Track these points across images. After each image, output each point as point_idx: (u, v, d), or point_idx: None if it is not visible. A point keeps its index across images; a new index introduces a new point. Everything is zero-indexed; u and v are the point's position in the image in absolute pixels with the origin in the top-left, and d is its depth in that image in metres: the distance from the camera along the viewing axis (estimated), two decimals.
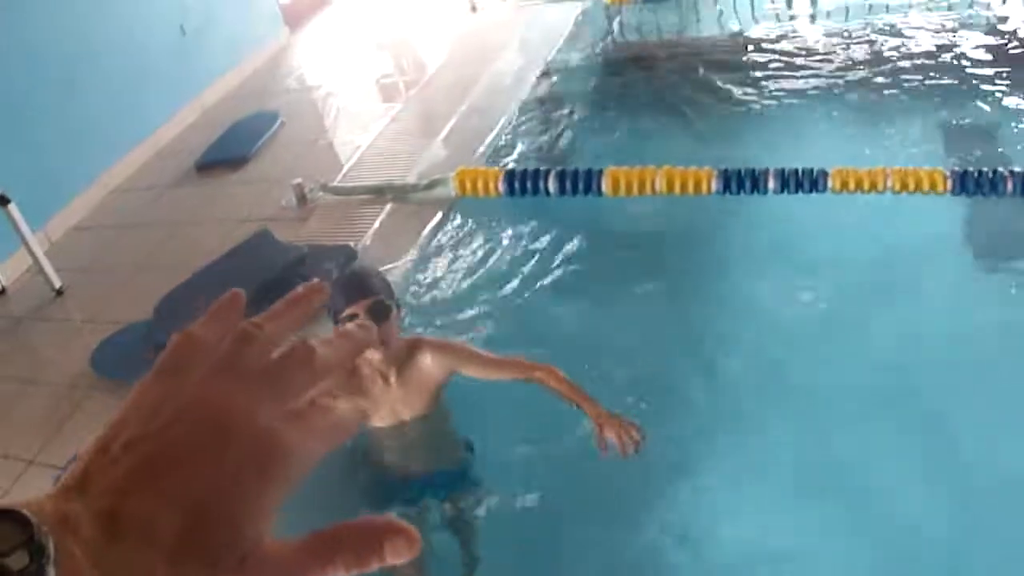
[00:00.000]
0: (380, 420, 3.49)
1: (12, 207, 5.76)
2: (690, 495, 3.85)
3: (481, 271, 5.19)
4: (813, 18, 8.07)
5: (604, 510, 3.86)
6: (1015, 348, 4.23)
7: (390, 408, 3.46)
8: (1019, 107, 6.10)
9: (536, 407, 3.72)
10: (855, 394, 4.14)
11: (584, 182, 5.28)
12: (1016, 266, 4.92)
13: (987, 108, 6.16)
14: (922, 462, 3.79)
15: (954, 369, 4.18)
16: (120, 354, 4.92)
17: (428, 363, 3.45)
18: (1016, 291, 4.78)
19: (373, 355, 3.29)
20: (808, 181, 4.97)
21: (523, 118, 6.75)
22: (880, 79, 6.66)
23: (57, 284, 5.94)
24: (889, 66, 6.82)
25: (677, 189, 5.14)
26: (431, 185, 5.68)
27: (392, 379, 3.40)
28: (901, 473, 3.77)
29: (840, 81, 6.79)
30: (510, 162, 6.14)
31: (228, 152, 7.16)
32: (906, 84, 6.52)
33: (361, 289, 3.24)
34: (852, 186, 4.94)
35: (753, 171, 5.05)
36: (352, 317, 3.14)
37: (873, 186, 4.94)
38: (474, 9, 8.97)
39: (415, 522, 3.25)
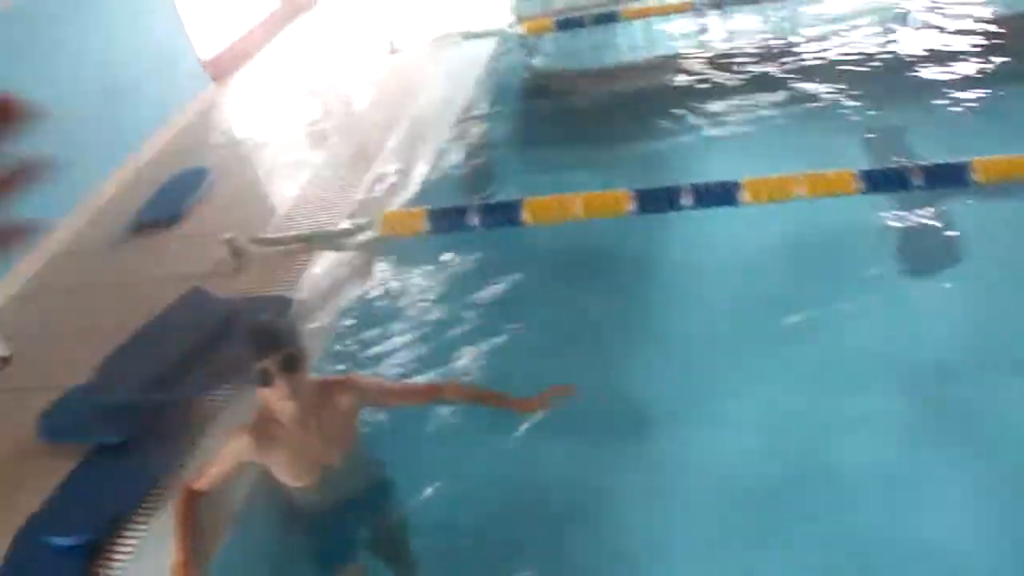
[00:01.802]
0: (303, 476, 3.57)
1: None
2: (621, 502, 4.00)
3: (413, 310, 5.34)
4: (728, 39, 8.29)
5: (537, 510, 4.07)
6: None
7: (312, 459, 3.54)
8: (928, 107, 6.36)
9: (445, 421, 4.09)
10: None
11: (504, 213, 5.45)
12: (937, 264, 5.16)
13: (899, 111, 6.42)
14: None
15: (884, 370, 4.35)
16: (65, 419, 5.03)
17: (341, 401, 3.55)
18: (947, 285, 5.00)
19: (286, 407, 3.35)
20: (721, 193, 5.14)
21: (447, 155, 6.91)
22: (797, 90, 6.90)
23: (5, 353, 6.04)
24: (805, 78, 7.07)
25: (595, 212, 5.31)
26: (358, 229, 5.84)
27: (312, 426, 3.47)
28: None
29: (755, 96, 7.01)
30: (437, 199, 6.27)
31: (161, 211, 7.26)
32: (823, 94, 6.76)
33: (271, 341, 3.29)
34: (765, 195, 5.11)
35: (667, 188, 5.24)
36: (264, 372, 3.25)
37: (785, 193, 5.11)
38: (393, 50, 9.14)
39: (350, 546, 3.45)
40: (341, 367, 4.83)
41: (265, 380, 3.28)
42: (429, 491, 4.06)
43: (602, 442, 4.27)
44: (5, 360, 6.00)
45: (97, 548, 4.11)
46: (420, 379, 4.67)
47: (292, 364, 3.30)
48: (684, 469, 4.11)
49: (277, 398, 3.33)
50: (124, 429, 4.68)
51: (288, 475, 3.58)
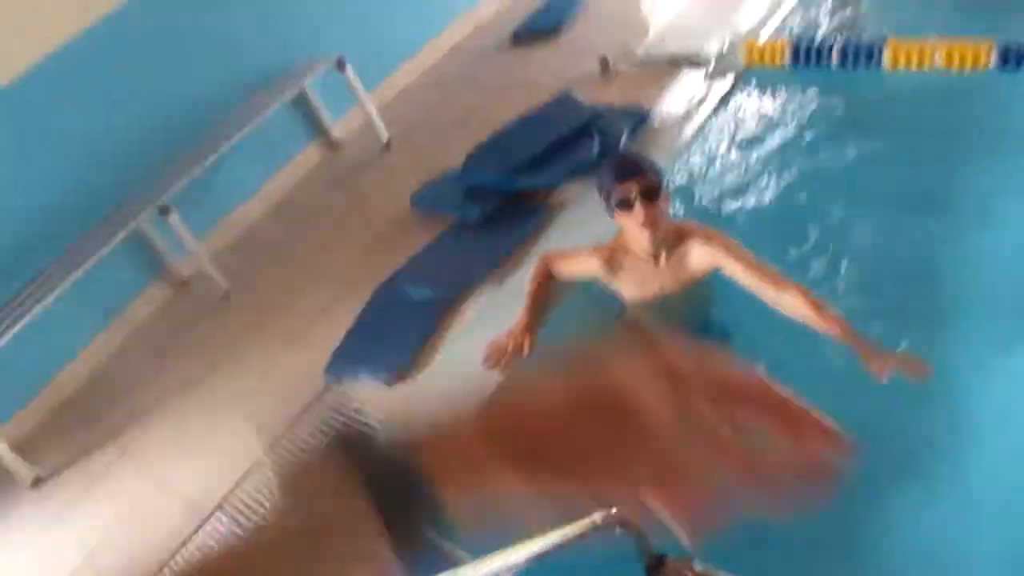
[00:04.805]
0: (641, 294, 3.76)
1: (349, 70, 6.53)
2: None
3: (762, 140, 5.42)
4: None
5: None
6: None
7: (653, 289, 3.71)
8: None
9: None
10: None
11: (866, 53, 5.47)
12: None
13: None
14: None
15: None
16: (436, 195, 5.60)
17: (693, 252, 3.63)
18: None
19: (642, 235, 3.50)
20: None
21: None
22: None
23: (385, 138, 6.71)
24: None
25: (956, 63, 5.23)
26: (722, 55, 6.03)
27: (661, 261, 3.63)
28: None
29: None
30: (803, 35, 6.31)
31: (541, 24, 7.72)
32: None
33: (633, 169, 3.45)
34: None
35: None
36: (626, 197, 3.42)
37: None
38: None
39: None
40: (684, 185, 5.09)
41: (626, 204, 3.46)
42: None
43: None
44: (386, 144, 6.64)
45: (448, 303, 4.66)
46: (752, 215, 4.81)
47: (652, 193, 3.46)
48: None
49: (634, 224, 3.51)
50: (484, 207, 5.21)
51: (627, 293, 3.83)
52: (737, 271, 3.54)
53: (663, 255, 3.62)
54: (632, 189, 3.41)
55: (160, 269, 6.11)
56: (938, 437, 3.54)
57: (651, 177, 3.46)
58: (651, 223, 3.46)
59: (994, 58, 5.11)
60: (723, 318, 3.96)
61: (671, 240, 3.60)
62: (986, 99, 5.20)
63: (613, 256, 3.73)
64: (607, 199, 3.50)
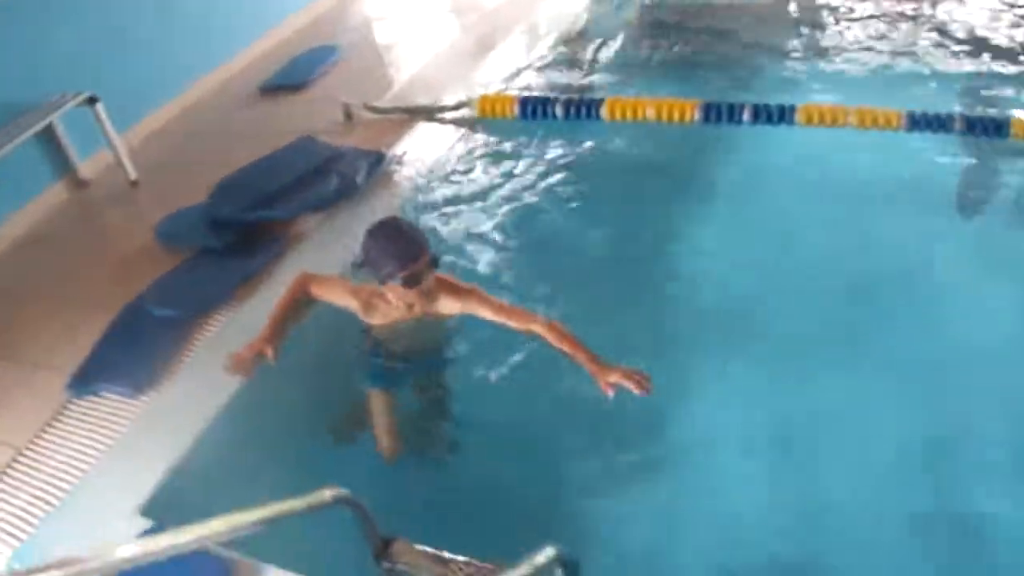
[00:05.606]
0: (389, 327, 4.03)
1: (99, 107, 6.68)
2: (657, 428, 4.02)
3: (486, 182, 5.92)
4: None
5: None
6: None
7: (400, 320, 3.97)
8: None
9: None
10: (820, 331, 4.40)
11: (586, 108, 6.10)
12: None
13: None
14: (895, 401, 4.00)
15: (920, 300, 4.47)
16: (179, 226, 5.83)
17: (443, 301, 3.88)
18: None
19: (411, 295, 3.74)
20: (778, 114, 5.72)
21: (553, 55, 7.60)
22: (892, 49, 7.10)
23: (133, 176, 6.87)
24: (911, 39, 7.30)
25: (665, 117, 5.93)
26: (457, 107, 6.55)
27: (415, 309, 3.87)
28: (872, 414, 3.95)
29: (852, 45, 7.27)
30: (533, 91, 6.92)
31: (290, 78, 8.05)
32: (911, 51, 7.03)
33: (418, 250, 3.65)
34: (816, 120, 5.65)
35: (731, 104, 5.83)
36: (417, 274, 3.63)
37: (835, 120, 5.64)
38: None
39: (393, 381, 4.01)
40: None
41: (416, 280, 3.67)
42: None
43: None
44: (133, 183, 6.82)
45: (191, 322, 4.92)
46: (481, 250, 5.24)
47: (435, 265, 3.74)
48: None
49: (414, 294, 3.74)
50: (226, 237, 5.50)
51: (375, 325, 4.06)
52: (486, 314, 3.85)
53: (417, 307, 3.85)
54: (420, 268, 3.63)
55: None
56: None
57: (430, 251, 3.69)
58: (427, 291, 3.75)
59: (698, 114, 5.83)
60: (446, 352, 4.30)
61: (430, 293, 3.82)
62: (691, 146, 5.96)
63: (370, 300, 3.94)
64: (388, 276, 3.66)
